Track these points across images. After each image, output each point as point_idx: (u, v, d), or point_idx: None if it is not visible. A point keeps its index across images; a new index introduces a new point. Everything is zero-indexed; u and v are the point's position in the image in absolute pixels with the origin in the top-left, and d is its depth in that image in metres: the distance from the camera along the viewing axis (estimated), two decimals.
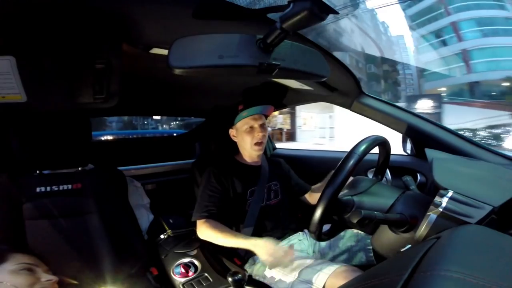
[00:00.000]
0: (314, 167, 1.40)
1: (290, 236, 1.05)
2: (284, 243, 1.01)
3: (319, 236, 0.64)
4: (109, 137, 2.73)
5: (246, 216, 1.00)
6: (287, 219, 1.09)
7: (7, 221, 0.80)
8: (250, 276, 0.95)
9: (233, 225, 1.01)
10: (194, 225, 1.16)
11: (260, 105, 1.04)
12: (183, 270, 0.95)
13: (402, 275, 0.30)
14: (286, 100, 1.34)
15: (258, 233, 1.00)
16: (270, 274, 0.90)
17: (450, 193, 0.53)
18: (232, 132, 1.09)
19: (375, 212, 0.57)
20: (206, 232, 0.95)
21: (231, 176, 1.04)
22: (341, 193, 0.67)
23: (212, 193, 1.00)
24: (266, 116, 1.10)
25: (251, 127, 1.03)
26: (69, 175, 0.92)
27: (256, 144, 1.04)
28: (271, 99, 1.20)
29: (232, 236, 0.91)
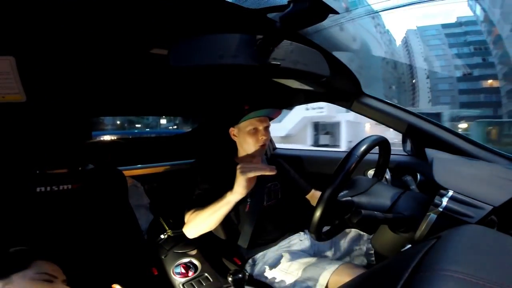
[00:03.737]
0: (314, 167, 1.40)
1: (291, 236, 1.05)
2: (285, 244, 1.01)
3: (319, 236, 0.64)
4: (110, 137, 2.73)
5: (246, 217, 1.00)
6: (287, 219, 1.09)
7: (9, 222, 0.80)
8: (250, 276, 0.95)
9: (232, 226, 1.01)
10: None
11: (269, 108, 0.99)
12: (183, 270, 0.95)
13: (402, 275, 0.30)
14: (287, 100, 1.34)
15: (257, 233, 0.99)
16: (271, 274, 0.90)
17: (450, 193, 0.53)
18: (233, 131, 1.04)
19: (375, 212, 0.57)
20: (187, 225, 0.87)
21: (230, 178, 1.03)
22: (341, 193, 0.67)
23: (202, 192, 0.95)
24: (271, 119, 1.07)
25: (255, 129, 0.99)
26: (69, 175, 0.92)
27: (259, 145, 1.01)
28: (279, 102, 1.19)
29: (210, 208, 0.83)
